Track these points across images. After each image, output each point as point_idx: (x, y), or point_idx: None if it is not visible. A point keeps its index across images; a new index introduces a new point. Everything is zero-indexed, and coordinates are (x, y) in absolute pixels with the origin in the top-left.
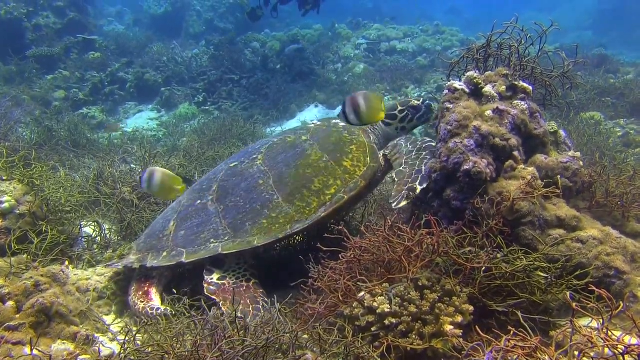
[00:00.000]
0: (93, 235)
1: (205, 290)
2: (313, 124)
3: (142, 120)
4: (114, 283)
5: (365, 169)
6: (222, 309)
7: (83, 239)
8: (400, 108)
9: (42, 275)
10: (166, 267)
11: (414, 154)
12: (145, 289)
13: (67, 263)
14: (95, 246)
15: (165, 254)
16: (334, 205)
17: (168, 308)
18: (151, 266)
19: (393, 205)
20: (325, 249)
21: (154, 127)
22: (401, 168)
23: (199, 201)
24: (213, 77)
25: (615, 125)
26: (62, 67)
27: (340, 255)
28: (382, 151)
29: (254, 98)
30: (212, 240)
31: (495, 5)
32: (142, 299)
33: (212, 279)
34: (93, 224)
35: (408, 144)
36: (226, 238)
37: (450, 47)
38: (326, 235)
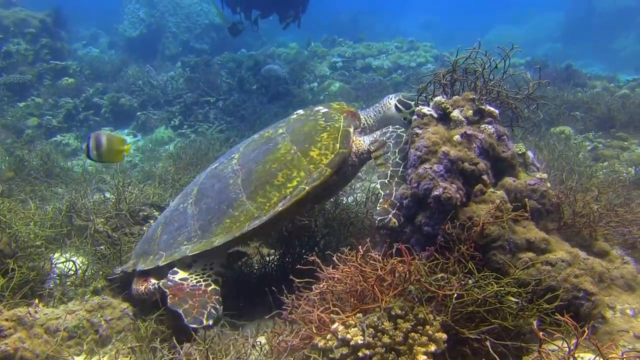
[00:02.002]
0: (65, 270)
1: (161, 283)
2: (296, 114)
3: None
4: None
5: (332, 156)
6: (168, 301)
7: (55, 275)
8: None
9: (6, 320)
10: (155, 269)
11: (400, 170)
12: (144, 279)
13: (37, 301)
14: (68, 281)
15: (151, 257)
16: (294, 198)
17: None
18: (140, 270)
19: (377, 224)
20: (298, 280)
21: (130, 152)
22: (386, 181)
23: (181, 205)
24: (189, 99)
25: (584, 139)
26: (34, 94)
27: (313, 287)
28: (367, 136)
29: (230, 120)
30: (185, 242)
31: (468, 19)
32: (142, 284)
33: (174, 277)
34: (65, 258)
35: (396, 152)
36: (195, 240)
37: (424, 63)
38: (299, 266)
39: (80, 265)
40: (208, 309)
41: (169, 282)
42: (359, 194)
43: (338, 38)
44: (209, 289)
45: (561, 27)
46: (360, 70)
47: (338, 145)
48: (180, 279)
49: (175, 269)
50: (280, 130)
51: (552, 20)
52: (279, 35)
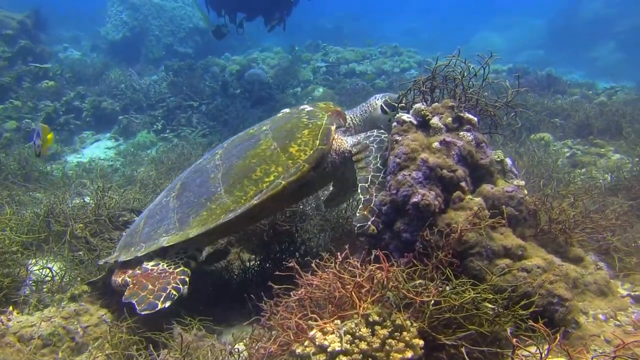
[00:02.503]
0: (42, 277)
1: (128, 274)
2: (282, 112)
3: (99, 149)
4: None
5: (311, 152)
6: (125, 294)
7: (30, 281)
8: (402, 104)
9: None
10: (135, 260)
11: (381, 176)
12: (123, 270)
13: (10, 309)
14: (45, 287)
15: (132, 249)
16: (269, 192)
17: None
18: (121, 261)
19: (356, 230)
20: (276, 287)
21: (112, 157)
22: (367, 186)
23: (164, 199)
24: (172, 103)
25: (563, 146)
26: (13, 97)
27: (291, 293)
28: (351, 137)
29: (213, 124)
30: (163, 234)
31: (451, 26)
32: (120, 276)
33: (147, 264)
34: (42, 264)
35: (378, 157)
36: (173, 232)
37: (408, 68)
38: (278, 273)
39: (58, 271)
40: (168, 290)
41: (138, 271)
42: None
43: (322, 43)
44: (177, 270)
45: (543, 34)
46: (344, 76)
47: (318, 142)
48: (152, 265)
49: (150, 254)
50: (264, 128)
51: (534, 27)
52: (264, 39)
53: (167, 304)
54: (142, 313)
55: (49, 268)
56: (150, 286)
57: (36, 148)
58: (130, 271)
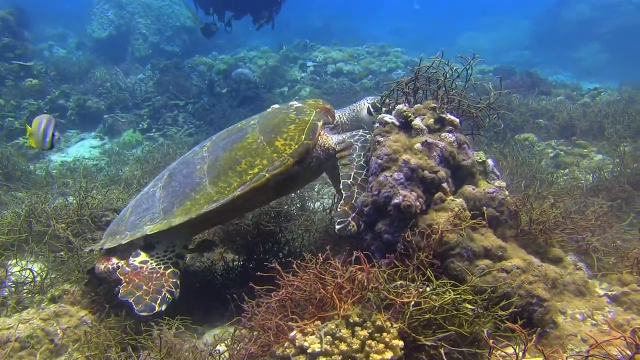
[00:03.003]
0: (21, 278)
1: (118, 271)
2: (272, 107)
3: (84, 148)
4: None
5: (296, 146)
6: (120, 291)
7: (10, 282)
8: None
9: None
10: (120, 248)
11: (364, 173)
12: (107, 258)
13: None
14: (25, 289)
15: (117, 237)
16: (252, 184)
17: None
18: (106, 248)
19: (336, 226)
20: (257, 287)
21: (96, 156)
22: (349, 182)
23: (152, 189)
24: (158, 102)
25: (547, 147)
26: None
27: (272, 294)
28: (336, 135)
29: (199, 124)
30: (148, 223)
31: (439, 25)
32: (103, 263)
33: (134, 260)
34: (21, 265)
35: (361, 155)
36: (157, 220)
37: (395, 68)
38: (259, 273)
39: (39, 272)
40: (163, 294)
41: (127, 268)
42: (325, 200)
43: (310, 42)
44: (168, 272)
45: (529, 34)
46: (332, 75)
47: (304, 136)
48: (141, 262)
49: (138, 250)
50: (252, 122)
51: (521, 28)
52: (252, 38)
53: (164, 307)
54: (141, 314)
55: (29, 269)
56: (144, 286)
57: (51, 140)
58: (114, 259)
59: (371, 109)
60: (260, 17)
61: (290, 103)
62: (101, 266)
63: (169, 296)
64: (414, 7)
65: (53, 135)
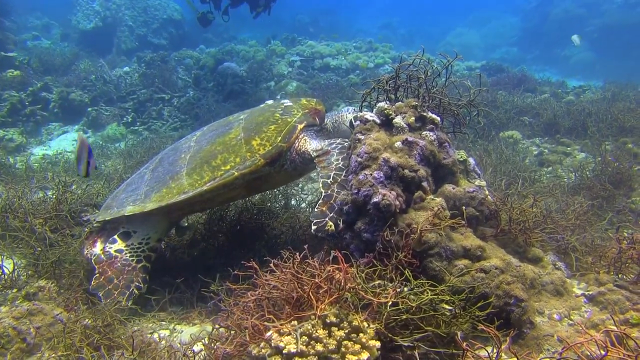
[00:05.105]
0: None
1: (93, 259)
2: (265, 104)
3: (67, 141)
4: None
5: (270, 147)
6: (92, 283)
7: None
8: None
9: None
10: (109, 226)
11: (343, 174)
12: (94, 238)
13: None
14: None
15: (109, 211)
16: (221, 181)
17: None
18: (96, 220)
19: (313, 227)
20: (235, 286)
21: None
22: (329, 181)
23: (144, 170)
24: (143, 96)
25: (531, 144)
26: None
27: (249, 293)
28: (315, 140)
29: (184, 118)
30: (130, 203)
31: (428, 21)
32: (88, 247)
33: (110, 247)
34: None
35: (339, 159)
36: (137, 203)
37: (382, 64)
38: (236, 272)
39: (14, 268)
40: (131, 289)
41: (103, 256)
42: (309, 197)
43: (298, 37)
44: (139, 265)
45: (517, 31)
46: (319, 70)
47: (280, 138)
48: (116, 251)
49: (114, 237)
50: (241, 117)
51: (509, 25)
52: (240, 32)
53: (130, 302)
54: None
55: (3, 266)
56: (115, 280)
57: (85, 168)
58: (98, 243)
59: (353, 123)
60: (258, 5)
61: (283, 101)
62: (85, 250)
63: (136, 292)
64: None
65: (89, 163)
